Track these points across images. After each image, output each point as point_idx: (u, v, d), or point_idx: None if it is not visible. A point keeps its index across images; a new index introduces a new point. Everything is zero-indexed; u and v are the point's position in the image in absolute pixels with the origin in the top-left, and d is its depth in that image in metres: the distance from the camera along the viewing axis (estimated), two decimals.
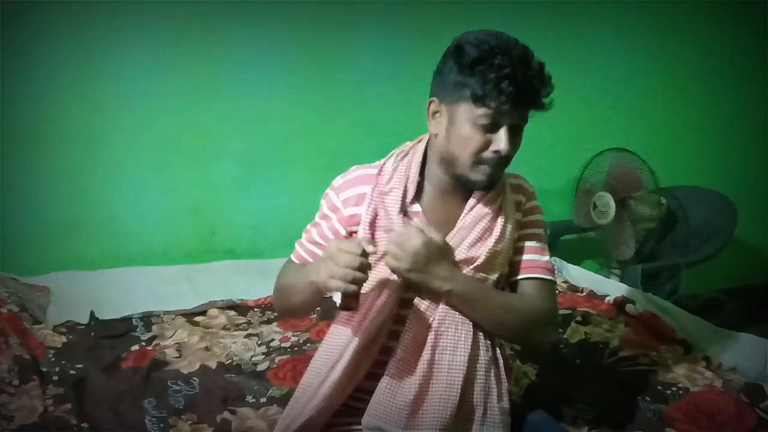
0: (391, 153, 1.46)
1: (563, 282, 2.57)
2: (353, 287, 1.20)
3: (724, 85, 3.58)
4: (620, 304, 2.27)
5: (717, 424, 1.64)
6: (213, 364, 1.94)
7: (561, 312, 2.22)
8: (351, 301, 1.23)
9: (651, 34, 3.37)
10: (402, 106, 2.89)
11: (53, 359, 1.88)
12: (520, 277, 1.43)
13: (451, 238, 1.37)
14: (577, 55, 3.24)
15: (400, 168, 1.40)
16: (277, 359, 2.00)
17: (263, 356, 2.03)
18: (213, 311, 2.29)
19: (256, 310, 2.34)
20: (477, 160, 1.31)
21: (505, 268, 1.42)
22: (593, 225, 3.12)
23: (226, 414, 1.70)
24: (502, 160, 1.31)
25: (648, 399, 1.73)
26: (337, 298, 1.23)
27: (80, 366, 1.87)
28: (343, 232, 1.41)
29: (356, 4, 2.80)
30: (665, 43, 3.41)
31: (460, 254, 1.36)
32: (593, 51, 3.28)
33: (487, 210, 1.38)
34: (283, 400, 1.76)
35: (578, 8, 3.19)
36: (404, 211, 1.38)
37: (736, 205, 3.20)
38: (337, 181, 1.46)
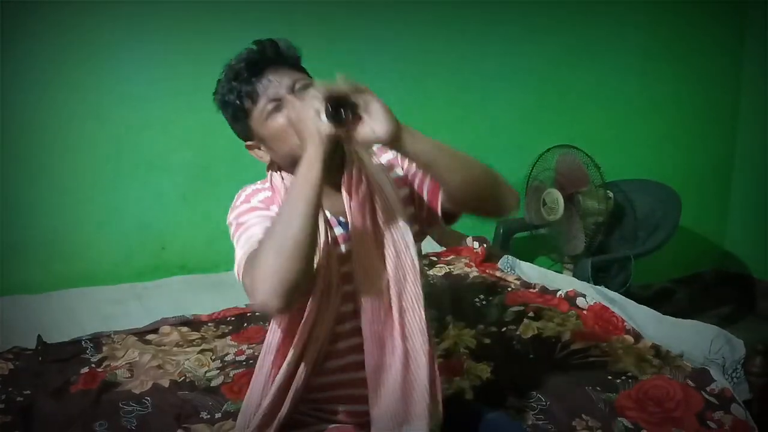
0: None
1: (516, 279, 2.59)
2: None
3: (661, 79, 3.67)
4: (571, 298, 2.30)
5: (666, 410, 1.67)
6: (166, 383, 1.91)
7: (514, 308, 2.24)
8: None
9: (589, 32, 3.44)
10: None
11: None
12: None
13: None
14: (523, 53, 3.29)
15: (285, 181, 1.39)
16: (231, 373, 1.98)
17: (218, 371, 2.01)
18: (165, 328, 2.25)
19: (209, 324, 2.31)
20: None
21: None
22: (544, 222, 3.17)
23: (181, 431, 1.68)
24: None
25: (599, 389, 1.76)
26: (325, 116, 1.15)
27: (28, 392, 1.83)
28: None
29: (303, 18, 2.81)
30: (603, 39, 3.48)
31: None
32: (535, 50, 3.33)
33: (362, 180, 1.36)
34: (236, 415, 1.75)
35: (519, 7, 3.24)
36: None
37: (680, 195, 3.27)
38: (240, 197, 1.41)
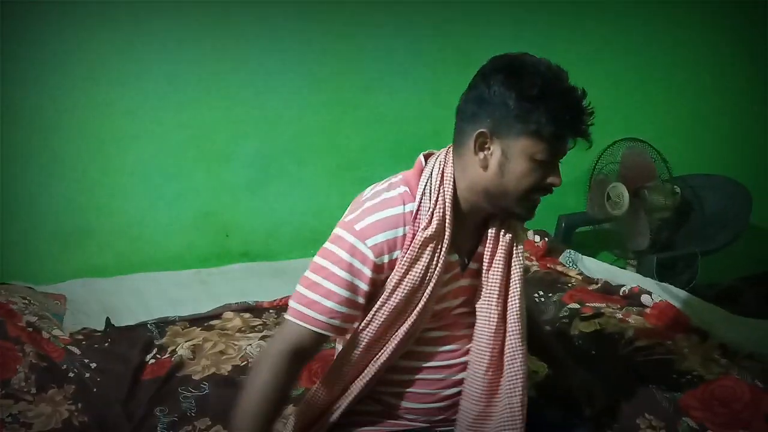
0: (422, 179, 1.33)
1: (578, 274, 2.55)
2: None
3: (734, 71, 3.56)
4: (635, 295, 2.26)
5: (733, 411, 1.63)
6: (228, 367, 1.95)
7: (571, 306, 2.21)
8: None
9: (661, 24, 3.36)
10: (413, 103, 2.90)
11: (70, 365, 1.90)
12: None
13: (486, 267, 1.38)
14: (589, 46, 3.24)
15: (437, 208, 1.30)
16: None
17: None
18: (228, 314, 2.29)
19: (271, 311, 2.34)
20: (529, 194, 1.28)
21: None
22: (608, 216, 3.11)
23: None
24: None
25: (663, 387, 1.72)
26: None
27: (95, 370, 1.88)
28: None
29: (365, 2, 2.81)
30: (675, 32, 3.39)
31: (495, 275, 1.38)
32: (605, 42, 3.28)
33: (508, 234, 1.39)
34: (298, 400, 1.77)
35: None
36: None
37: (751, 191, 3.17)
38: (356, 221, 1.29)
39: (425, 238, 1.28)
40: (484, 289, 1.38)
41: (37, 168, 2.49)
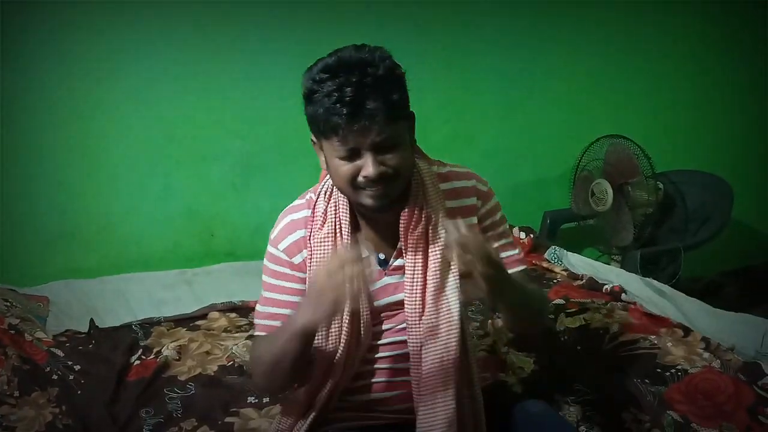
0: (320, 188, 1.42)
1: (563, 270, 2.57)
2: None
3: (716, 68, 3.58)
4: (617, 293, 2.27)
5: (716, 404, 1.64)
6: (214, 367, 1.95)
7: (555, 302, 2.22)
8: None
9: (643, 20, 3.37)
10: None
11: (54, 367, 1.89)
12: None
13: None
14: (571, 44, 3.25)
15: (329, 208, 1.37)
16: None
17: None
18: (214, 314, 2.29)
19: None
20: (355, 188, 1.26)
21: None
22: (592, 212, 3.13)
23: (229, 415, 1.71)
24: (383, 179, 1.24)
25: (647, 381, 1.73)
26: None
27: (79, 373, 1.88)
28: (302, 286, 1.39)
29: (349, 3, 2.81)
30: (657, 28, 3.41)
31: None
32: (587, 38, 3.28)
33: (419, 228, 1.36)
34: (285, 399, 1.77)
35: None
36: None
37: (733, 186, 3.19)
38: (272, 233, 1.43)
39: (320, 237, 1.36)
40: (405, 286, 1.37)
41: (18, 169, 2.47)
